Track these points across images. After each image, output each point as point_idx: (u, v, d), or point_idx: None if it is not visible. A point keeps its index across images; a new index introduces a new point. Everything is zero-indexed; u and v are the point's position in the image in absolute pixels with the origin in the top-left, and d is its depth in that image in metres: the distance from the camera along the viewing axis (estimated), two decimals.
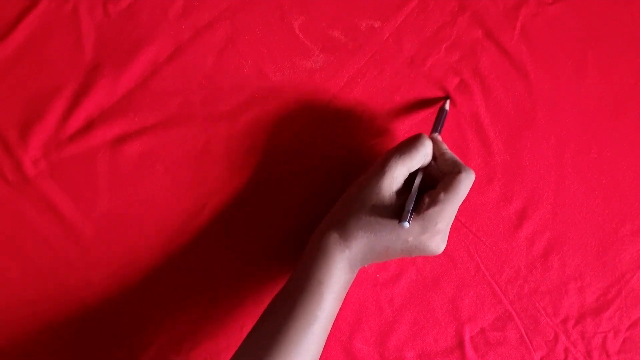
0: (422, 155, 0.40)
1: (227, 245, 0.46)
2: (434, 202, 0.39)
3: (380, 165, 0.40)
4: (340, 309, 0.46)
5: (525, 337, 0.48)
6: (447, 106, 0.46)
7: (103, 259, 0.45)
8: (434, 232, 0.39)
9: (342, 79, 0.47)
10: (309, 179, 0.47)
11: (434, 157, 0.42)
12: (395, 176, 0.39)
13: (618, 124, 0.49)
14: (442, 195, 0.39)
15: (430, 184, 0.41)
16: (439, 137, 0.43)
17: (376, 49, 0.48)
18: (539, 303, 0.48)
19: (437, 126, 0.45)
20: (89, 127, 0.45)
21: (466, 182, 0.39)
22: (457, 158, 0.41)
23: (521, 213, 0.48)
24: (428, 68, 0.48)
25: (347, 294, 0.46)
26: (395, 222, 0.38)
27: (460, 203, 0.40)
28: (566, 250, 0.48)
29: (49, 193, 0.44)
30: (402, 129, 0.48)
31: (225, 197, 0.46)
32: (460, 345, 0.47)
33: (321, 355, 0.45)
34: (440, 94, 0.48)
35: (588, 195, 0.49)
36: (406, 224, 0.37)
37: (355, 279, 0.47)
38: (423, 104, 0.48)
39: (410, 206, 0.38)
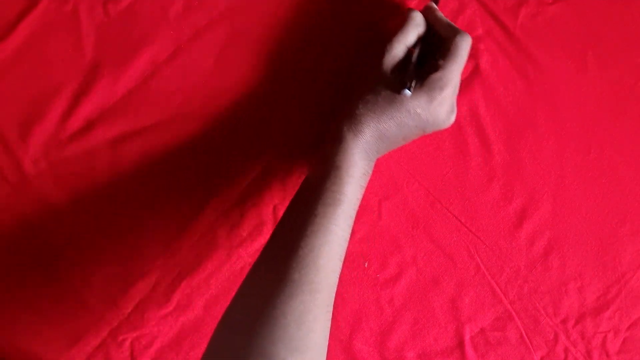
0: (414, 27, 0.41)
1: (228, 245, 0.46)
2: (433, 68, 0.39)
3: (382, 50, 0.40)
4: (340, 309, 0.46)
5: (525, 337, 0.48)
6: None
7: (103, 259, 0.45)
8: (441, 100, 0.39)
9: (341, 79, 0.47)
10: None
11: (432, 26, 0.42)
12: (394, 54, 0.40)
13: (618, 124, 0.49)
14: (441, 62, 0.39)
15: (429, 57, 0.41)
16: (433, 5, 0.43)
17: None
18: (539, 303, 0.48)
19: None
20: (89, 127, 0.45)
21: (462, 45, 0.39)
22: (451, 23, 0.41)
23: (521, 213, 0.48)
24: None
25: (347, 294, 0.47)
26: (401, 97, 0.38)
27: (462, 67, 0.40)
28: (566, 250, 0.48)
29: (48, 193, 0.44)
30: None
31: (226, 197, 0.46)
32: (460, 345, 0.47)
33: None
34: None
35: (588, 195, 0.49)
36: (407, 92, 0.37)
37: (355, 279, 0.47)
38: None
39: (409, 75, 0.38)
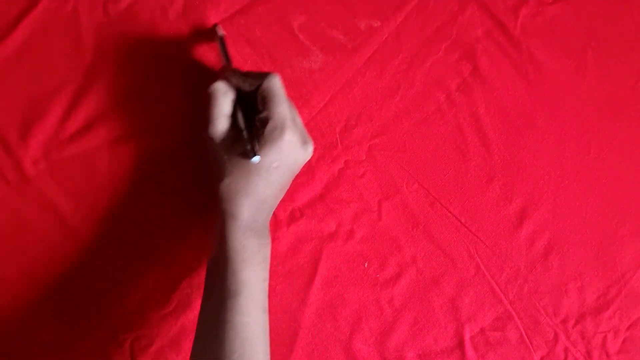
0: (223, 97, 0.39)
1: None
2: (261, 121, 0.38)
3: (205, 130, 0.40)
4: (340, 309, 0.46)
5: (525, 337, 0.48)
6: (221, 31, 0.44)
7: (103, 259, 0.45)
8: (288, 143, 0.38)
9: (341, 78, 0.47)
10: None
11: (238, 85, 0.41)
12: (219, 131, 0.39)
13: (618, 124, 0.49)
14: (264, 113, 0.39)
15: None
16: (228, 66, 0.42)
17: (376, 48, 0.48)
18: (539, 303, 0.48)
19: (226, 57, 0.43)
20: (88, 127, 0.45)
21: (273, 86, 0.39)
22: (252, 72, 0.41)
23: (521, 213, 0.48)
24: (428, 68, 0.48)
25: (347, 294, 0.47)
26: (247, 160, 0.38)
27: (285, 102, 0.39)
28: (566, 250, 0.48)
29: (48, 193, 0.44)
30: (402, 128, 0.48)
31: None
32: (460, 345, 0.47)
33: (321, 355, 0.45)
34: (440, 93, 0.48)
35: (588, 195, 0.49)
36: (256, 158, 0.37)
37: (355, 279, 0.47)
38: (423, 106, 0.48)
39: (247, 141, 0.38)
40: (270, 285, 0.46)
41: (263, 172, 0.38)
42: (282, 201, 0.46)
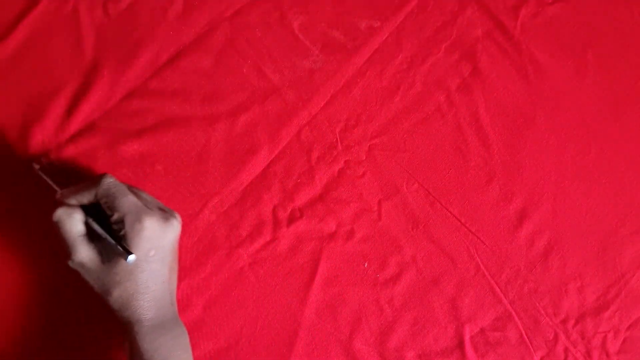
0: (70, 219, 0.38)
1: (227, 245, 0.46)
2: (117, 222, 0.38)
3: (66, 258, 0.38)
4: (340, 309, 0.46)
5: (525, 337, 0.48)
6: (36, 164, 0.43)
7: None
8: (151, 227, 0.37)
9: (341, 79, 0.47)
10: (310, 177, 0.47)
11: (81, 200, 0.39)
12: (82, 252, 0.38)
13: (618, 124, 0.49)
14: (115, 215, 0.37)
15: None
16: (59, 191, 0.40)
17: (376, 48, 0.48)
18: (538, 303, 0.48)
19: (52, 185, 0.42)
20: (89, 127, 0.45)
21: (105, 184, 0.38)
22: (81, 185, 0.39)
23: (521, 213, 0.48)
24: (428, 68, 0.48)
25: (347, 294, 0.47)
26: (125, 263, 0.37)
27: (127, 194, 0.38)
28: (566, 250, 0.48)
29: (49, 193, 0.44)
30: (402, 128, 0.48)
31: (225, 197, 0.46)
32: (460, 345, 0.47)
33: (321, 355, 0.45)
34: (440, 93, 0.48)
35: (588, 195, 0.49)
36: (132, 257, 0.36)
37: (355, 279, 0.47)
38: (423, 106, 0.48)
39: (117, 246, 0.37)
40: (270, 285, 0.46)
41: (144, 265, 0.38)
42: (282, 201, 0.46)
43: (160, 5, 0.46)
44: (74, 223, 0.38)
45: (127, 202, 0.38)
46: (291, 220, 0.47)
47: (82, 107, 0.45)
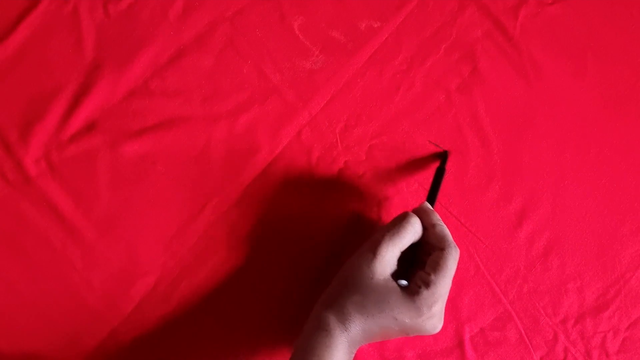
0: (412, 234, 0.40)
1: (227, 245, 0.46)
2: (425, 284, 0.38)
3: (370, 248, 0.39)
4: None
5: (525, 336, 0.48)
6: (445, 165, 0.45)
7: (103, 259, 0.45)
8: (430, 316, 0.39)
9: (341, 79, 0.47)
10: (310, 177, 0.47)
11: (424, 227, 0.41)
12: (388, 259, 0.39)
13: (618, 124, 0.49)
14: (432, 277, 0.38)
15: (419, 253, 0.41)
16: (430, 207, 0.42)
17: (376, 49, 0.48)
18: (538, 303, 0.48)
19: (433, 193, 0.44)
20: (89, 127, 0.45)
21: (452, 260, 0.39)
22: (446, 231, 0.40)
23: (521, 213, 0.48)
24: (428, 68, 0.48)
25: None
26: (391, 306, 0.38)
27: (451, 280, 0.39)
28: (566, 250, 0.48)
29: (49, 193, 0.44)
30: (402, 128, 0.48)
31: (225, 197, 0.46)
32: (460, 345, 0.47)
33: None
34: (440, 93, 0.48)
35: (588, 195, 0.49)
36: (403, 282, 0.38)
37: None
38: (423, 106, 0.48)
39: (414, 280, 0.39)
40: (270, 285, 0.46)
41: (391, 317, 0.38)
42: (283, 199, 0.46)
43: (160, 5, 0.46)
44: (410, 236, 0.39)
45: (447, 282, 0.39)
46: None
47: (82, 107, 0.45)
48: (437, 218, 0.41)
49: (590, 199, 0.49)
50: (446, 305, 0.47)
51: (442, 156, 0.46)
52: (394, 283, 0.39)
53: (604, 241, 0.49)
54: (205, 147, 0.46)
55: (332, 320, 0.38)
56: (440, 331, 0.47)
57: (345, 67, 0.47)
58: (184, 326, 0.45)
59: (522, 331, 0.48)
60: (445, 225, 0.41)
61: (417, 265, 0.41)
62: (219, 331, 0.45)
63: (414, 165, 0.48)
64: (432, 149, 0.47)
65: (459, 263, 0.47)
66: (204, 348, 0.45)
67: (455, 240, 0.47)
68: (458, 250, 0.40)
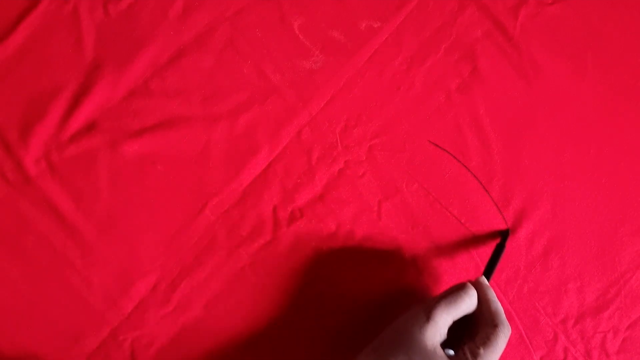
0: (468, 305, 0.40)
1: (227, 245, 0.46)
2: (473, 356, 0.38)
3: (424, 312, 0.39)
4: (341, 309, 0.46)
5: (525, 336, 0.48)
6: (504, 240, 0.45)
7: (103, 259, 0.45)
8: None
9: (341, 79, 0.47)
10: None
11: (479, 301, 0.41)
12: (440, 326, 0.38)
13: (618, 124, 0.50)
14: (481, 351, 0.38)
15: (469, 326, 0.41)
16: (486, 282, 0.42)
17: (376, 49, 0.48)
18: (538, 303, 0.48)
19: (490, 268, 0.44)
20: (89, 127, 0.45)
21: (503, 338, 0.39)
22: (500, 309, 0.40)
23: (521, 213, 0.48)
24: (428, 68, 0.48)
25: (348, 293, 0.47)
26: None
27: (498, 358, 0.39)
28: (566, 250, 0.48)
29: (49, 193, 0.44)
30: (402, 128, 0.48)
31: (225, 197, 0.46)
32: None
33: (322, 355, 0.45)
34: (440, 93, 0.48)
35: (588, 195, 0.49)
36: (450, 351, 0.37)
37: (355, 279, 0.47)
38: (423, 106, 0.48)
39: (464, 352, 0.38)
40: (269, 285, 0.46)
41: None
42: (283, 201, 0.46)
43: (160, 5, 0.46)
44: (466, 307, 0.39)
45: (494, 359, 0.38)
46: (291, 220, 0.47)
47: (82, 107, 0.45)
48: (493, 294, 0.41)
49: (590, 199, 0.49)
50: None
51: (504, 234, 0.46)
52: (442, 351, 0.38)
53: (604, 241, 0.49)
54: (205, 147, 0.46)
55: None
56: None
57: (345, 67, 0.47)
58: (184, 326, 0.45)
59: (522, 331, 0.48)
60: (499, 303, 0.41)
61: (464, 338, 0.41)
62: (219, 331, 0.45)
63: (414, 165, 0.48)
64: (433, 148, 0.47)
65: (458, 263, 0.48)
66: (204, 348, 0.45)
67: (455, 240, 0.48)
68: (510, 330, 0.39)
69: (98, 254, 0.45)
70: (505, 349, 0.47)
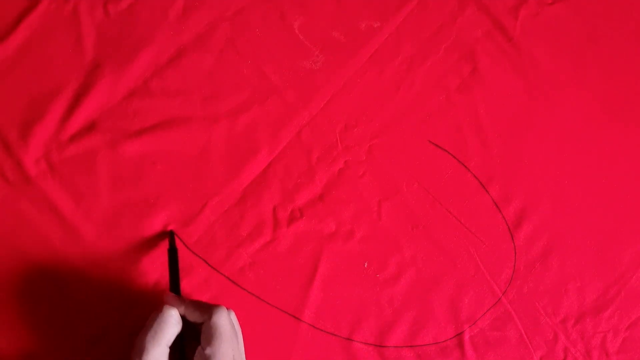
0: (174, 325, 0.38)
1: (227, 245, 0.46)
2: (203, 358, 0.37)
3: (137, 357, 0.36)
4: (340, 309, 0.46)
5: (525, 336, 0.48)
6: (174, 241, 0.43)
7: (103, 259, 0.45)
8: None
9: (341, 79, 0.47)
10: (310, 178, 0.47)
11: (187, 315, 0.39)
12: (158, 357, 0.36)
13: (618, 124, 0.50)
14: (208, 350, 0.37)
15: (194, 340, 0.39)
16: (175, 295, 0.40)
17: (376, 49, 0.48)
18: (538, 303, 0.48)
19: (174, 277, 0.41)
20: (89, 127, 0.45)
21: (221, 322, 0.37)
22: (201, 303, 0.39)
23: (521, 213, 0.48)
24: (428, 68, 0.48)
25: (346, 294, 0.47)
26: None
27: (231, 340, 0.38)
28: (566, 250, 0.49)
29: (49, 193, 0.44)
30: (402, 128, 0.48)
31: (225, 197, 0.46)
32: (460, 345, 0.48)
33: (321, 355, 0.45)
34: (440, 93, 0.48)
35: (588, 195, 0.49)
36: None
37: (355, 279, 0.47)
38: (423, 106, 0.48)
39: None
40: (270, 285, 0.46)
41: None
42: (283, 201, 0.46)
43: (160, 5, 0.46)
44: (170, 333, 0.37)
45: (226, 349, 0.37)
46: (291, 220, 0.47)
47: (82, 107, 0.45)
48: (188, 300, 0.39)
49: (590, 199, 0.49)
50: (446, 305, 0.47)
51: (169, 236, 0.44)
52: None
53: (604, 241, 0.49)
54: (205, 147, 0.46)
55: None
56: (440, 331, 0.47)
57: (345, 67, 0.47)
58: None
59: (522, 331, 0.48)
60: (199, 300, 0.39)
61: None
62: None
63: (414, 165, 0.48)
64: (433, 148, 0.47)
65: (458, 263, 0.48)
66: None
67: (455, 240, 0.48)
68: (224, 308, 0.38)
69: (98, 254, 0.45)
70: (505, 348, 0.47)
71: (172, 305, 0.39)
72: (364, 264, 0.47)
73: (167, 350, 0.37)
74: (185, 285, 0.45)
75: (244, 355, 0.40)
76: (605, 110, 0.49)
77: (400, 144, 0.48)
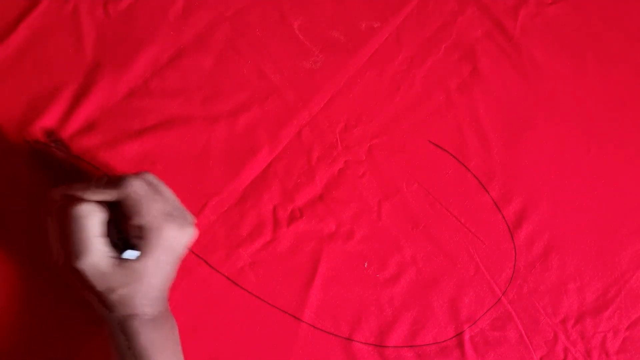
0: (91, 218, 0.36)
1: (227, 245, 0.46)
2: (135, 228, 0.36)
3: (76, 257, 0.35)
4: (340, 309, 0.46)
5: (525, 336, 0.48)
6: (54, 136, 0.42)
7: None
8: (169, 236, 0.37)
9: (341, 79, 0.47)
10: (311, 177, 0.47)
11: (102, 198, 0.36)
12: (96, 252, 0.35)
13: (618, 124, 0.50)
14: (135, 220, 0.36)
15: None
16: (84, 179, 0.39)
17: (376, 49, 0.48)
18: (538, 303, 0.48)
19: (76, 169, 0.40)
20: (89, 127, 0.45)
21: (132, 191, 0.36)
22: (108, 181, 0.36)
23: (520, 213, 0.48)
24: (428, 68, 0.48)
25: (346, 294, 0.47)
26: (137, 266, 0.36)
27: (151, 201, 0.36)
28: (566, 250, 0.49)
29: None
30: (402, 128, 0.48)
31: (225, 197, 0.46)
32: (460, 345, 0.48)
33: (321, 355, 0.45)
34: (440, 93, 0.48)
35: (588, 195, 0.49)
36: (134, 253, 0.36)
37: (355, 279, 0.47)
38: (423, 106, 0.48)
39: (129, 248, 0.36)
40: (270, 285, 0.46)
41: (155, 270, 0.37)
42: (283, 201, 0.46)
43: (160, 5, 0.46)
44: (95, 223, 0.36)
45: (152, 210, 0.36)
46: (291, 220, 0.47)
47: (82, 107, 0.45)
48: (88, 185, 0.36)
49: (590, 199, 0.49)
50: (446, 305, 0.47)
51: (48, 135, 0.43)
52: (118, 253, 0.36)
53: (604, 241, 0.49)
54: (205, 147, 0.46)
55: (120, 324, 0.38)
56: (440, 331, 0.47)
57: (345, 67, 0.47)
58: (183, 326, 0.45)
59: (522, 331, 0.48)
60: (101, 177, 0.38)
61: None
62: (218, 330, 0.45)
63: (414, 165, 0.48)
64: (433, 148, 0.48)
65: (458, 263, 0.48)
66: (204, 347, 0.45)
67: (455, 240, 0.48)
68: (130, 176, 0.36)
69: None
70: (505, 348, 0.47)
71: (82, 193, 0.36)
72: (364, 264, 0.47)
73: (102, 241, 0.36)
74: (186, 285, 0.45)
75: (178, 202, 0.39)
76: (605, 109, 0.49)
77: (400, 144, 0.48)
